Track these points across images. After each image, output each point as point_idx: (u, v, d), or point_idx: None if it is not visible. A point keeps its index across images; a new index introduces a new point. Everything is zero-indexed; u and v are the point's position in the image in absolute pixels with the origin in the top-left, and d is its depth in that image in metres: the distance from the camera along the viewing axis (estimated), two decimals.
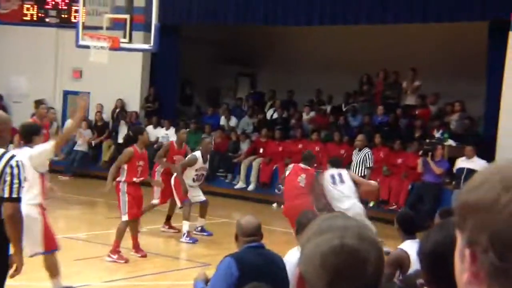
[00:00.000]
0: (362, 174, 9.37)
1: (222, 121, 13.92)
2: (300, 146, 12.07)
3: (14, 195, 3.38)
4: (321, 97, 14.04)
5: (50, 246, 5.28)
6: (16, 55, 15.04)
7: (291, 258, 3.68)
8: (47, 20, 14.76)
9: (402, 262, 4.15)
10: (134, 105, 14.46)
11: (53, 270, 5.36)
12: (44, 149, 4.98)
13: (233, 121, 13.85)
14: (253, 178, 12.35)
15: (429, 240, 1.50)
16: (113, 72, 12.93)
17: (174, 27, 13.63)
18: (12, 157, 3.44)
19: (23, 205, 3.65)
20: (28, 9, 14.85)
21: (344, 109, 13.25)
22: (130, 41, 10.37)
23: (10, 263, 3.53)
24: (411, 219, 4.57)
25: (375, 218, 9.21)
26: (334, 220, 1.17)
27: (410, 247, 4.11)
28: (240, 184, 12.52)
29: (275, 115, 13.69)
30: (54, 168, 10.42)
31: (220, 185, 12.73)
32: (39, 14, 14.78)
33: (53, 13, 14.67)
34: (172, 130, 13.74)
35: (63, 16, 14.56)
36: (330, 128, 12.45)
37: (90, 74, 14.32)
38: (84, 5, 10.79)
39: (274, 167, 12.24)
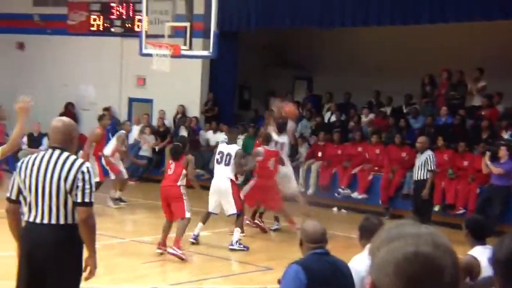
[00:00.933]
0: (425, 177, 9.05)
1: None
2: (359, 149, 11.84)
3: (87, 200, 3.47)
4: (380, 99, 13.75)
5: None
6: (83, 65, 15.58)
7: (357, 265, 3.58)
8: (112, 30, 15.21)
9: (472, 268, 3.97)
10: (194, 110, 14.66)
11: None
12: None
13: (290, 125, 13.77)
14: (312, 181, 12.24)
15: (503, 246, 1.44)
16: (174, 78, 13.15)
17: (232, 33, 13.72)
18: (82, 163, 3.55)
19: None
20: (94, 20, 15.36)
21: (405, 111, 12.91)
22: (190, 48, 10.52)
23: (85, 266, 3.62)
24: (481, 224, 4.38)
25: (441, 223, 8.91)
26: (405, 227, 1.15)
27: (481, 253, 3.94)
28: (299, 188, 12.41)
29: (333, 118, 13.51)
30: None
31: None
32: (105, 25, 15.25)
33: (117, 23, 15.11)
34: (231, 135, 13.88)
35: (127, 25, 14.96)
36: (391, 131, 12.16)
37: (152, 81, 14.65)
38: (147, 14, 11.04)
39: (333, 171, 12.08)
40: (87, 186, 3.46)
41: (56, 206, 3.44)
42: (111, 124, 13.87)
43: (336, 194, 11.77)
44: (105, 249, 7.15)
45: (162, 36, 10.80)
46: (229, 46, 13.35)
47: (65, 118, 3.85)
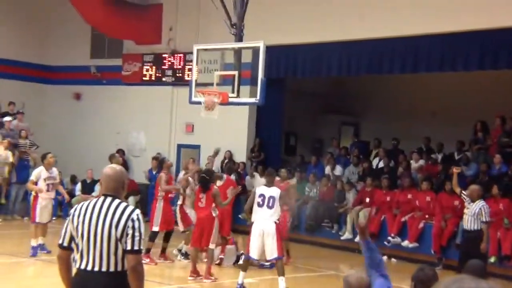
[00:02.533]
0: (477, 228, 8.51)
1: (327, 170, 13.68)
2: (409, 196, 11.42)
3: (136, 248, 3.43)
4: (430, 145, 13.36)
5: None
6: (135, 112, 15.97)
7: None
8: (163, 79, 15.62)
9: None
10: (241, 155, 14.68)
11: None
12: None
13: (338, 170, 13.56)
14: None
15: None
16: (222, 125, 13.24)
17: (278, 80, 13.82)
18: (133, 210, 3.52)
19: None
20: (147, 70, 15.83)
21: (457, 158, 12.45)
22: (238, 95, 10.59)
23: None
24: None
25: (497, 275, 8.37)
26: (464, 283, 1.08)
27: None
28: (346, 235, 12.08)
29: (381, 164, 13.20)
30: None
31: (326, 235, 12.36)
32: (157, 74, 15.69)
33: (169, 72, 15.49)
34: (276, 179, 13.72)
35: (178, 75, 15.32)
36: (440, 177, 11.71)
37: (200, 128, 14.83)
38: (196, 64, 11.26)
39: (382, 217, 11.68)
40: (137, 234, 3.43)
41: (107, 253, 3.43)
42: (157, 171, 14.03)
43: (385, 242, 11.34)
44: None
45: (211, 84, 10.95)
46: (276, 93, 13.40)
47: (116, 166, 3.89)
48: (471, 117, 12.61)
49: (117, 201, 3.53)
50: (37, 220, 8.97)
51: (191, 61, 11.76)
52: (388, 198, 11.74)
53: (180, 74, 15.19)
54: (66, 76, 17.11)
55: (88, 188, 14.05)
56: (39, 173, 9.10)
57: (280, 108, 14.51)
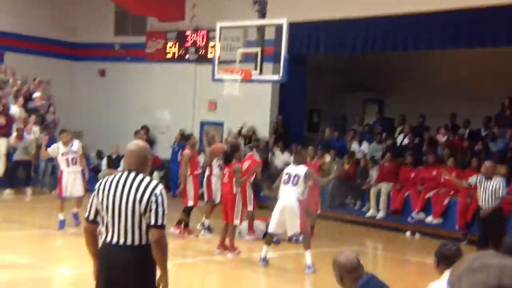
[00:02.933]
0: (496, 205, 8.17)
1: (352, 147, 13.63)
2: (434, 172, 11.34)
3: (159, 222, 3.48)
4: (456, 122, 13.18)
5: None
6: (159, 90, 16.09)
7: None
8: (186, 57, 15.65)
9: None
10: (264, 132, 14.72)
11: None
12: None
13: (362, 147, 13.51)
14: (382, 205, 11.87)
15: None
16: (245, 102, 13.24)
17: (301, 57, 13.72)
18: (156, 185, 3.57)
19: None
20: (170, 47, 15.88)
21: (483, 134, 12.27)
22: (261, 72, 10.57)
23: (157, 285, 3.64)
24: None
25: None
26: (488, 258, 1.09)
27: None
28: (371, 212, 12.09)
29: (406, 141, 13.09)
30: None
31: (349, 212, 12.39)
32: (180, 52, 15.73)
33: (192, 50, 15.51)
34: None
35: (201, 52, 15.34)
36: (467, 154, 11.57)
37: (223, 105, 14.88)
38: (219, 41, 11.25)
39: (406, 194, 11.64)
40: (160, 209, 3.48)
41: (132, 227, 3.49)
42: (179, 145, 14.16)
43: (409, 219, 11.32)
44: (177, 267, 7.20)
45: (234, 61, 10.94)
46: (299, 70, 13.33)
47: (139, 142, 3.91)
48: (499, 94, 12.37)
49: (140, 176, 3.57)
50: (63, 195, 9.03)
51: (214, 38, 11.76)
52: (412, 175, 11.67)
53: (203, 52, 15.18)
54: (91, 53, 17.27)
55: (114, 163, 14.28)
56: (55, 148, 9.20)
57: (303, 85, 14.43)
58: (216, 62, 10.87)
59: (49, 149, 9.30)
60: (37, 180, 13.67)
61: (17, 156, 13.11)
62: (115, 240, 3.51)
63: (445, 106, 13.36)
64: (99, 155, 15.60)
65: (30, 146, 13.41)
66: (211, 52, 14.10)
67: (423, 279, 3.68)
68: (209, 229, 9.52)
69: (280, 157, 13.62)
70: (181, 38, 15.60)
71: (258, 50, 10.57)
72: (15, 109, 13.76)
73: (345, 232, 11.02)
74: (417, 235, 11.00)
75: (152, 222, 3.48)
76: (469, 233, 10.55)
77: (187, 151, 9.50)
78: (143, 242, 3.50)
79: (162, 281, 3.63)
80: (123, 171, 3.66)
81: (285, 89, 14.11)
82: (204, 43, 15.19)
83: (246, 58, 11.44)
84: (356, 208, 12.35)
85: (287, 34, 9.99)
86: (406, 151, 12.27)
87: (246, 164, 9.40)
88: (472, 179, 8.42)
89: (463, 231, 10.60)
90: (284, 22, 9.65)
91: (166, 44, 15.89)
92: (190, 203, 9.22)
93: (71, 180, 9.08)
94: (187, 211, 9.31)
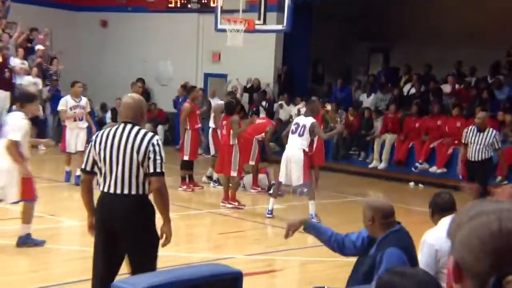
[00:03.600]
0: (488, 157, 7.94)
1: (361, 98, 13.52)
2: (439, 122, 11.27)
3: (158, 170, 3.55)
4: (462, 70, 12.98)
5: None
6: (161, 41, 15.84)
7: (430, 239, 3.44)
8: (189, 6, 15.33)
9: None
10: (267, 82, 14.59)
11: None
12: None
13: (366, 98, 13.40)
14: (385, 156, 11.88)
15: None
16: (248, 53, 13.06)
17: (306, 5, 13.40)
18: (153, 136, 3.63)
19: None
20: None
21: (490, 81, 12.09)
22: (265, 22, 10.37)
23: (161, 234, 3.68)
24: None
25: None
26: (485, 205, 1.12)
27: None
28: (374, 163, 12.12)
29: (412, 91, 12.95)
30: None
31: (353, 163, 12.42)
32: (182, 1, 15.39)
33: None
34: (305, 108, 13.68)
35: (203, 1, 15.00)
36: (474, 102, 11.47)
37: (227, 56, 14.68)
38: None
39: (410, 144, 11.63)
40: (158, 157, 3.54)
41: (129, 177, 3.55)
42: (183, 99, 14.06)
43: (412, 169, 11.35)
44: (182, 219, 7.30)
45: (237, 11, 10.71)
46: (303, 19, 13.05)
47: (135, 95, 3.95)
48: (506, 41, 12.12)
49: (136, 127, 3.62)
50: (67, 150, 8.95)
51: None
52: (417, 125, 11.61)
53: (206, 1, 14.86)
54: (92, 3, 16.94)
55: (117, 115, 14.26)
56: (65, 102, 8.94)
57: (307, 34, 14.18)
58: (219, 11, 10.64)
59: (60, 103, 9.08)
60: (44, 133, 13.67)
61: None
62: (112, 189, 3.56)
63: (451, 54, 13.13)
64: (103, 107, 15.55)
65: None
66: (213, 1, 13.79)
67: (426, 228, 3.71)
68: (218, 181, 9.55)
69: (286, 109, 13.55)
70: None
71: None
72: (15, 61, 13.59)
73: (348, 183, 11.07)
74: (420, 185, 11.06)
75: (151, 170, 3.53)
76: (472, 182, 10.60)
77: (186, 105, 9.39)
78: (140, 191, 3.56)
79: (165, 229, 3.67)
80: (119, 124, 3.67)
81: (289, 39, 13.87)
82: None
83: (250, 7, 11.20)
84: (360, 159, 12.37)
85: None
86: (411, 101, 12.17)
87: (260, 121, 9.43)
88: (464, 133, 8.06)
89: (466, 180, 10.64)
90: None
91: None
92: (186, 157, 9.17)
93: (74, 136, 8.94)
94: (186, 166, 9.29)
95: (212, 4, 13.88)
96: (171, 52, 15.66)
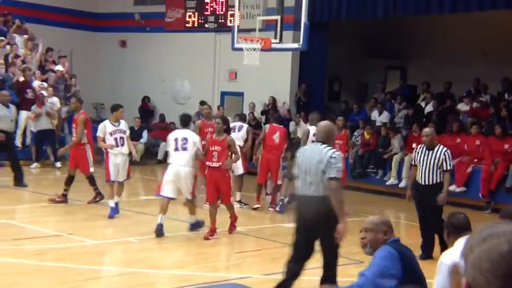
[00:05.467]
0: (439, 180, 6.73)
1: (372, 116, 13.48)
2: (458, 140, 11.16)
3: (335, 175, 4.56)
4: (479, 88, 12.87)
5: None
6: (179, 60, 16.03)
7: (445, 259, 3.43)
8: (206, 25, 15.52)
9: None
10: (284, 101, 14.62)
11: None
12: None
13: (383, 116, 13.34)
14: (404, 174, 11.77)
15: None
16: (265, 71, 13.13)
17: (322, 24, 13.48)
18: (333, 152, 4.66)
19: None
20: (189, 16, 15.75)
21: (507, 98, 11.94)
22: (281, 41, 10.44)
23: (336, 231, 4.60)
24: None
25: None
26: (497, 227, 1.14)
27: None
28: (391, 181, 12.02)
29: (429, 108, 12.87)
30: None
31: (371, 181, 12.34)
32: (199, 21, 15.59)
33: (211, 18, 15.36)
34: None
35: (220, 21, 15.18)
36: (491, 121, 11.35)
37: (244, 75, 14.78)
38: (239, 9, 11.10)
39: None
40: (334, 167, 4.57)
41: (316, 182, 4.62)
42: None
43: None
44: (199, 238, 7.30)
45: (254, 30, 10.81)
46: (320, 37, 13.10)
47: (327, 122, 5.09)
48: None
49: (323, 145, 4.72)
50: (111, 179, 8.12)
51: (234, 6, 11.60)
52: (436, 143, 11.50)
53: (223, 20, 15.02)
54: (112, 23, 17.24)
55: (135, 135, 14.39)
56: (103, 127, 8.18)
57: (323, 52, 14.22)
58: (236, 30, 10.75)
59: (98, 129, 8.21)
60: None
61: (39, 126, 12.63)
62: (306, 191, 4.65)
63: (468, 71, 13.06)
64: None
65: (53, 115, 13.41)
66: (230, 21, 13.94)
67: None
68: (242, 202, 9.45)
69: (304, 127, 13.55)
70: (200, 6, 15.44)
71: (278, 17, 10.41)
72: (36, 83, 13.84)
73: (366, 202, 10.99)
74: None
75: (332, 175, 4.59)
76: (492, 201, 10.45)
77: (197, 121, 9.49)
78: (326, 193, 4.59)
79: (340, 226, 4.60)
80: (315, 142, 4.94)
81: (305, 57, 13.93)
82: (223, 11, 15.02)
83: (266, 26, 11.29)
84: (378, 177, 12.28)
85: (307, 0, 9.80)
86: (428, 119, 12.09)
87: (277, 136, 9.38)
88: (413, 154, 7.00)
89: (486, 199, 10.49)
90: None
91: (185, 13, 15.76)
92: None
93: (121, 163, 8.14)
94: None
95: (229, 24, 14.04)
96: (189, 71, 15.82)
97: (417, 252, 6.11)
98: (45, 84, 13.93)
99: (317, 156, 4.62)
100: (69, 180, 8.97)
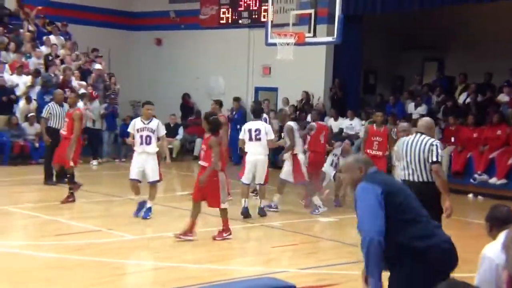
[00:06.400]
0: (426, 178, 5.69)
1: (409, 109, 13.20)
2: (498, 132, 10.84)
3: (436, 159, 5.23)
4: None
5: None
6: (213, 57, 16.09)
7: (490, 253, 3.28)
8: (240, 21, 15.52)
9: None
10: (319, 96, 14.49)
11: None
12: None
13: (420, 109, 13.05)
14: (443, 167, 11.50)
15: None
16: (299, 66, 13.04)
17: (357, 17, 13.28)
18: (433, 142, 5.31)
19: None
20: (224, 13, 15.77)
21: None
22: (315, 35, 10.33)
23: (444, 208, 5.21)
24: None
25: None
26: None
27: None
28: None
29: (468, 100, 12.52)
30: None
31: None
32: (233, 17, 15.60)
33: (245, 14, 15.35)
34: (356, 120, 13.47)
35: (254, 16, 15.15)
36: None
37: (277, 70, 14.71)
38: (272, 4, 11.04)
39: (468, 155, 11.21)
40: (435, 153, 5.25)
41: (420, 169, 5.31)
42: (238, 113, 14.18)
43: (471, 180, 10.93)
44: (234, 232, 7.31)
45: (288, 25, 10.73)
46: (354, 30, 12.92)
47: (428, 118, 5.83)
48: None
49: (424, 136, 5.35)
50: (132, 176, 7.87)
51: (267, 1, 11.55)
52: (475, 135, 11.20)
53: (256, 16, 14.99)
54: (147, 22, 17.44)
55: (172, 132, 14.54)
56: (133, 124, 7.99)
57: (358, 45, 14.02)
58: (269, 25, 10.70)
59: (129, 127, 8.08)
60: (101, 151, 14.07)
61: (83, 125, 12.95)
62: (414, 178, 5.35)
63: (507, 62, 12.64)
64: None
65: (95, 114, 13.68)
66: (264, 16, 13.89)
67: (485, 241, 3.54)
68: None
69: (334, 124, 13.43)
70: (234, 2, 15.44)
71: (311, 11, 10.31)
72: (75, 83, 14.13)
73: None
74: (479, 197, 10.63)
75: (434, 159, 5.25)
76: None
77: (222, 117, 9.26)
78: (430, 179, 5.28)
79: (447, 204, 5.25)
80: (415, 133, 5.44)
81: (339, 51, 13.76)
82: (257, 7, 14.98)
83: (300, 20, 11.20)
84: None
85: None
86: (467, 111, 11.78)
87: (322, 136, 8.97)
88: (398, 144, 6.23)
89: None
90: None
91: (219, 9, 15.79)
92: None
93: (145, 162, 7.79)
94: None
95: (262, 19, 14.00)
96: (223, 67, 15.86)
97: (459, 245, 5.94)
98: (84, 83, 14.23)
99: (420, 146, 5.29)
100: (67, 177, 8.86)
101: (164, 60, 17.13)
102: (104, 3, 16.98)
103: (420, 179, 5.27)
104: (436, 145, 5.26)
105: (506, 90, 11.88)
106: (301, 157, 8.66)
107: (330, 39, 10.57)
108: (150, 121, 7.92)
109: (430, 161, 5.22)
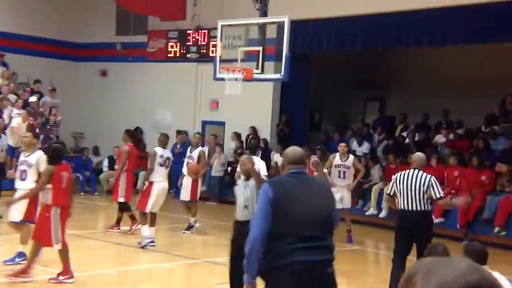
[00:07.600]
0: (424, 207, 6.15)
1: (353, 146, 13.57)
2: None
3: (439, 196, 6.02)
4: (450, 119, 13.15)
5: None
6: (161, 89, 16.02)
7: None
8: (188, 56, 15.60)
9: None
10: (265, 132, 14.66)
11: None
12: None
13: (363, 147, 13.44)
14: (384, 204, 11.80)
15: None
16: (247, 101, 13.18)
17: (304, 55, 13.66)
18: (430, 177, 6.05)
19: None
20: (172, 46, 15.82)
21: (485, 130, 12.19)
22: (263, 71, 10.51)
23: None
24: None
25: None
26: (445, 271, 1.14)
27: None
28: (371, 211, 12.02)
29: (407, 140, 13.02)
30: (202, 196, 11.00)
31: (351, 211, 12.31)
32: (182, 51, 15.66)
33: (193, 49, 15.46)
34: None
35: (202, 51, 15.28)
36: (471, 152, 11.52)
37: (225, 104, 14.81)
38: (221, 40, 11.19)
39: None
40: (436, 190, 5.98)
41: (418, 200, 5.97)
42: (182, 146, 14.10)
43: None
44: (179, 269, 7.15)
45: (236, 60, 10.87)
46: (301, 69, 13.25)
47: (421, 154, 6.46)
48: (499, 91, 12.30)
49: (421, 171, 6.09)
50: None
51: (216, 37, 11.70)
52: None
53: (205, 51, 15.13)
54: (93, 53, 17.22)
55: (115, 164, 14.22)
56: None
57: (305, 83, 14.39)
58: (218, 61, 10.81)
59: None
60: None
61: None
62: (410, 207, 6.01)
63: (443, 103, 13.31)
64: (96, 151, 15.55)
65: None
66: (212, 51, 14.04)
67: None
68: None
69: (278, 159, 13.58)
70: (182, 37, 15.55)
71: (259, 48, 10.50)
72: (14, 111, 13.61)
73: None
74: None
75: (436, 196, 6.02)
76: (470, 232, 10.50)
77: (126, 147, 9.55)
78: (427, 208, 6.04)
79: None
80: (412, 170, 6.05)
81: (287, 88, 14.06)
82: (205, 42, 15.13)
83: (248, 57, 11.38)
84: (358, 207, 12.28)
85: (288, 32, 9.92)
86: (407, 150, 12.22)
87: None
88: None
89: (464, 230, 10.54)
90: (285, 20, 9.58)
91: (167, 43, 15.84)
92: (121, 199, 9.35)
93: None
94: (123, 207, 9.40)
95: (211, 54, 14.13)
96: (170, 100, 15.81)
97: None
98: (24, 112, 13.74)
99: (420, 181, 5.97)
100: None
101: (109, 92, 16.90)
102: (49, 33, 16.67)
103: (419, 209, 6.01)
104: (435, 181, 6.01)
105: (443, 131, 12.43)
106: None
107: (277, 76, 10.78)
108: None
109: (435, 197, 5.96)
